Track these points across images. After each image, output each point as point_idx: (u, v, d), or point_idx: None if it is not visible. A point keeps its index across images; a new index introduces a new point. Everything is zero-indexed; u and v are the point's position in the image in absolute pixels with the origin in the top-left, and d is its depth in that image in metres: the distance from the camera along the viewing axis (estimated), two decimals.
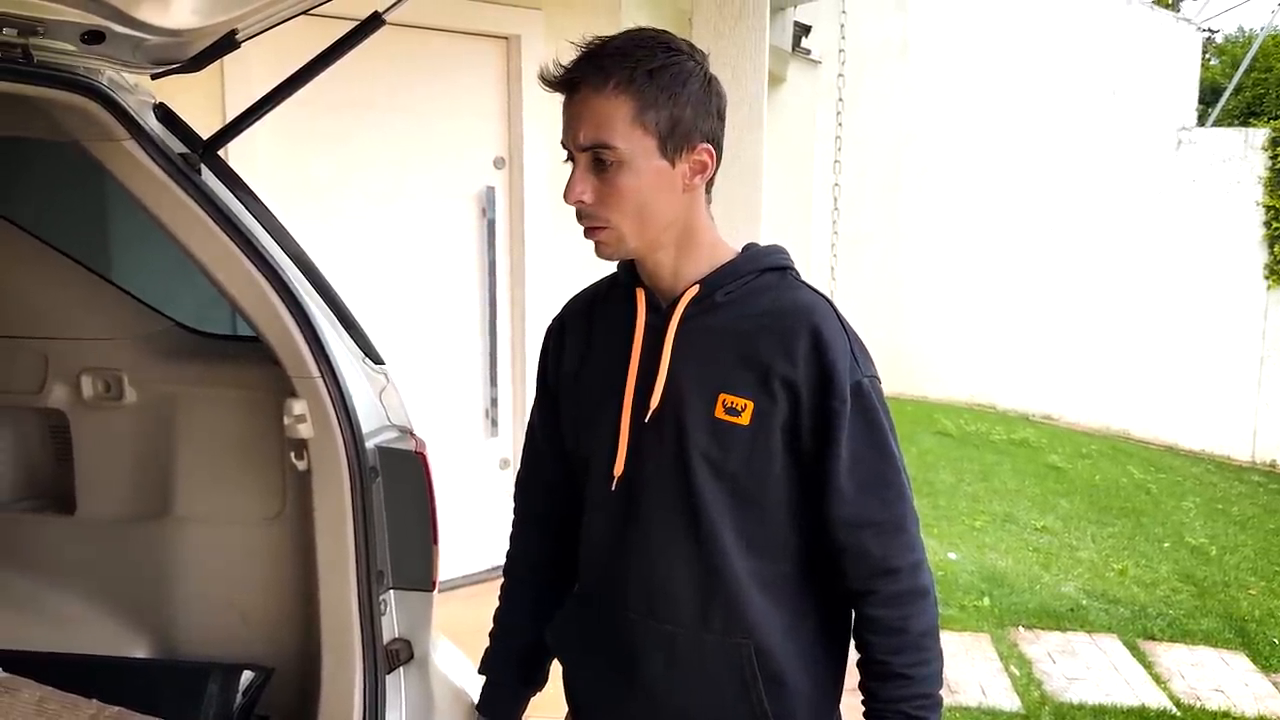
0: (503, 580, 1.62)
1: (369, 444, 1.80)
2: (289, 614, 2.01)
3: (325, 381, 1.74)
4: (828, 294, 1.35)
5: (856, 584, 1.32)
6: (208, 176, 1.75)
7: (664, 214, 1.28)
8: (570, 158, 1.28)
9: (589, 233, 1.30)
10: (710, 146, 1.28)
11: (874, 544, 1.30)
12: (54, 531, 2.13)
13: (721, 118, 1.30)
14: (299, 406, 1.76)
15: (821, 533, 1.32)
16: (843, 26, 8.08)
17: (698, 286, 1.32)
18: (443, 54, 4.03)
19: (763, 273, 1.33)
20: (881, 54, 10.02)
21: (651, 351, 1.33)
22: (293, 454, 1.84)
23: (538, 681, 1.60)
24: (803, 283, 1.35)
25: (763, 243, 1.40)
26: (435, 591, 1.91)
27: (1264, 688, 4.24)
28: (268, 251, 1.74)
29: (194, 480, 2.05)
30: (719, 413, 1.28)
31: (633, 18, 4.41)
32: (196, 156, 1.73)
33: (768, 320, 1.29)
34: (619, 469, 1.35)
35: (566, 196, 1.27)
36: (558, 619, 1.53)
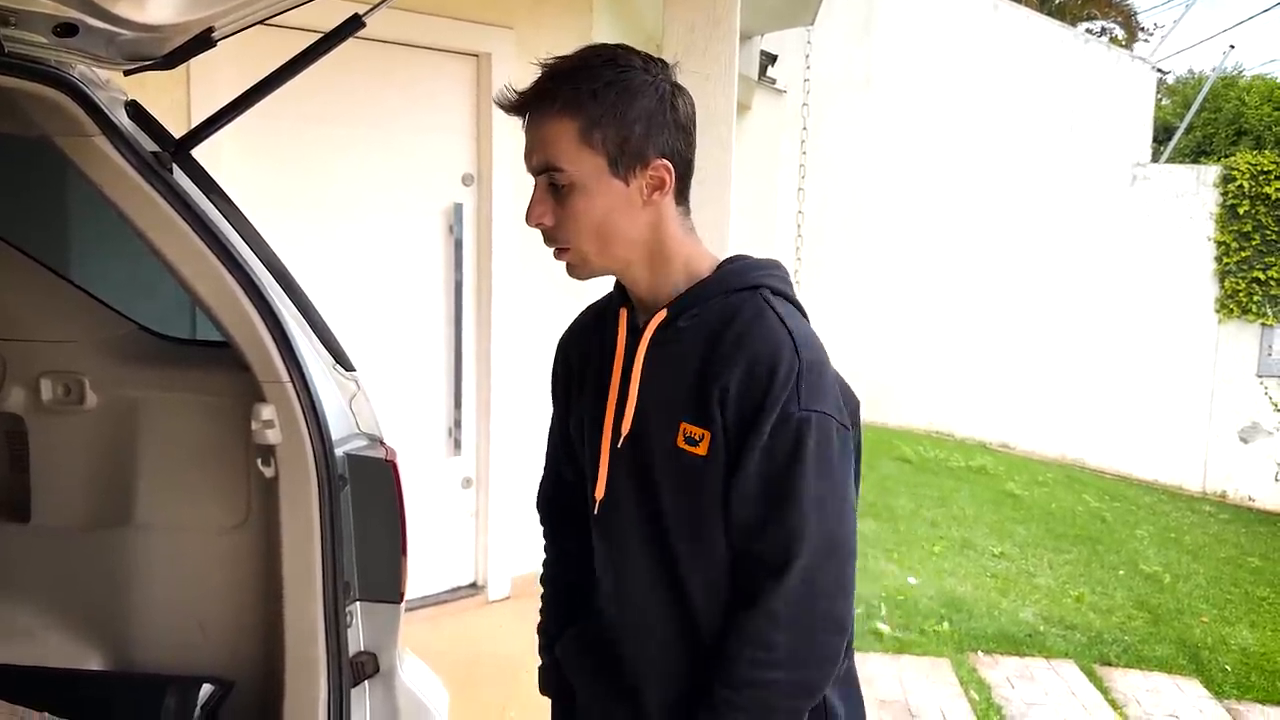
0: (540, 592, 1.62)
1: (338, 451, 1.77)
2: (251, 625, 1.96)
3: (295, 387, 1.71)
4: (802, 318, 1.29)
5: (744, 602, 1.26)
6: (179, 176, 1.72)
7: (625, 232, 1.26)
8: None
9: (556, 254, 1.29)
10: (667, 161, 1.25)
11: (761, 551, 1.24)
12: (7, 539, 2.06)
13: (683, 129, 1.27)
14: (267, 411, 1.72)
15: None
16: (808, 57, 8.20)
17: (664, 312, 1.29)
18: (413, 70, 4.02)
19: (731, 294, 1.28)
20: (845, 85, 10.18)
21: (627, 376, 1.32)
22: (259, 460, 1.80)
23: None
24: (770, 306, 1.27)
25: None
26: (403, 604, 1.87)
27: (1217, 713, 4.30)
28: (239, 253, 1.71)
29: (156, 487, 1.99)
30: (680, 442, 1.26)
31: (604, 39, 4.44)
32: (168, 155, 1.71)
33: (723, 346, 1.24)
34: (599, 493, 1.35)
35: (527, 220, 1.27)
36: (569, 638, 1.52)
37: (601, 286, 1.41)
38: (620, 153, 1.22)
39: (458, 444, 4.29)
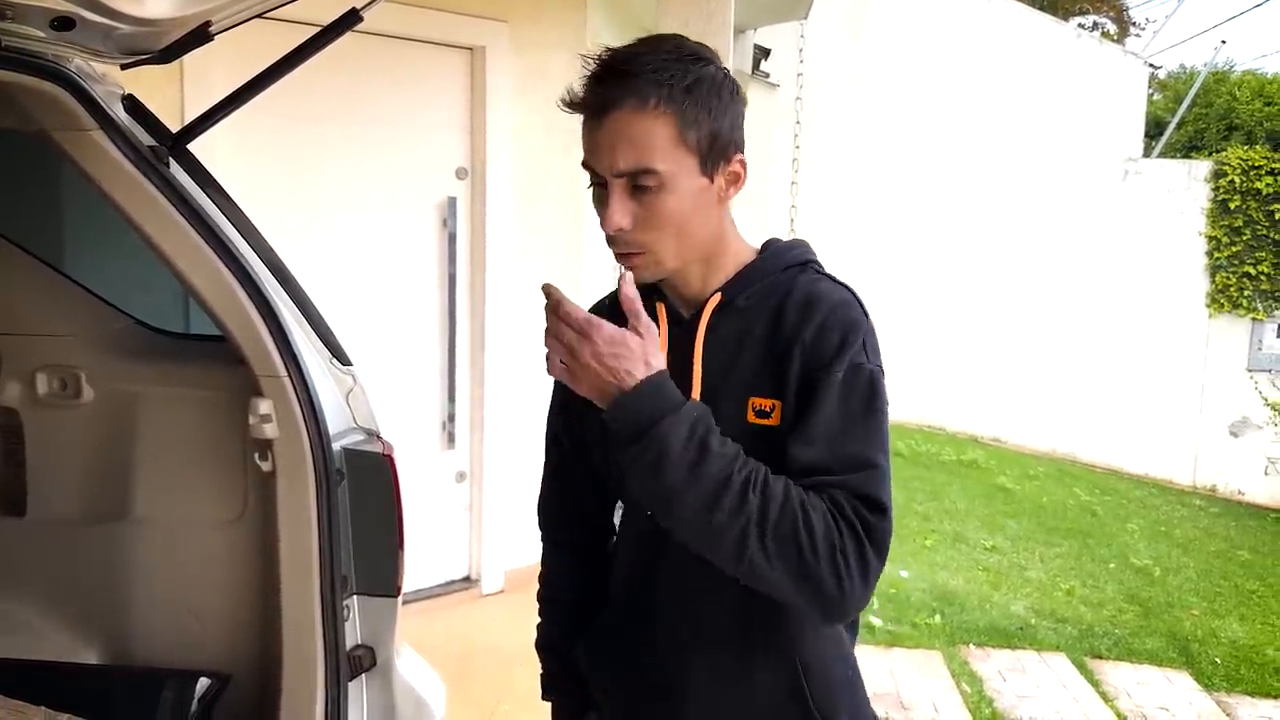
0: (539, 603, 1.57)
1: (335, 446, 1.77)
2: (248, 619, 1.96)
3: (292, 381, 1.71)
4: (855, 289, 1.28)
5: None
6: (176, 170, 1.72)
7: (702, 231, 1.23)
8: (599, 183, 1.19)
9: (623, 258, 1.22)
10: (743, 156, 1.23)
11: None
12: (3, 534, 2.07)
13: (743, 122, 1.25)
14: (264, 406, 1.73)
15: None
16: (801, 51, 8.19)
17: (719, 295, 1.27)
18: (407, 64, 4.02)
19: (784, 271, 1.28)
20: (838, 79, 10.16)
21: (678, 367, 1.25)
22: (256, 455, 1.81)
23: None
24: (826, 275, 1.29)
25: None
26: (400, 598, 1.88)
27: (1207, 706, 4.32)
28: (236, 247, 1.71)
29: (152, 481, 2.00)
30: (751, 417, 1.22)
31: (598, 33, 4.44)
32: (165, 150, 1.71)
33: (788, 313, 1.23)
34: None
35: (605, 226, 1.18)
36: (590, 639, 1.48)
37: (600, 285, 1.39)
38: (710, 150, 1.19)
39: (451, 438, 4.29)
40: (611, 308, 1.40)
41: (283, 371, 1.71)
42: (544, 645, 1.57)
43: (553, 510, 1.56)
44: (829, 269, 1.32)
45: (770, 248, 1.32)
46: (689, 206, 1.19)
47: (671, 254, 1.22)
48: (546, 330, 1.16)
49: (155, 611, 2.02)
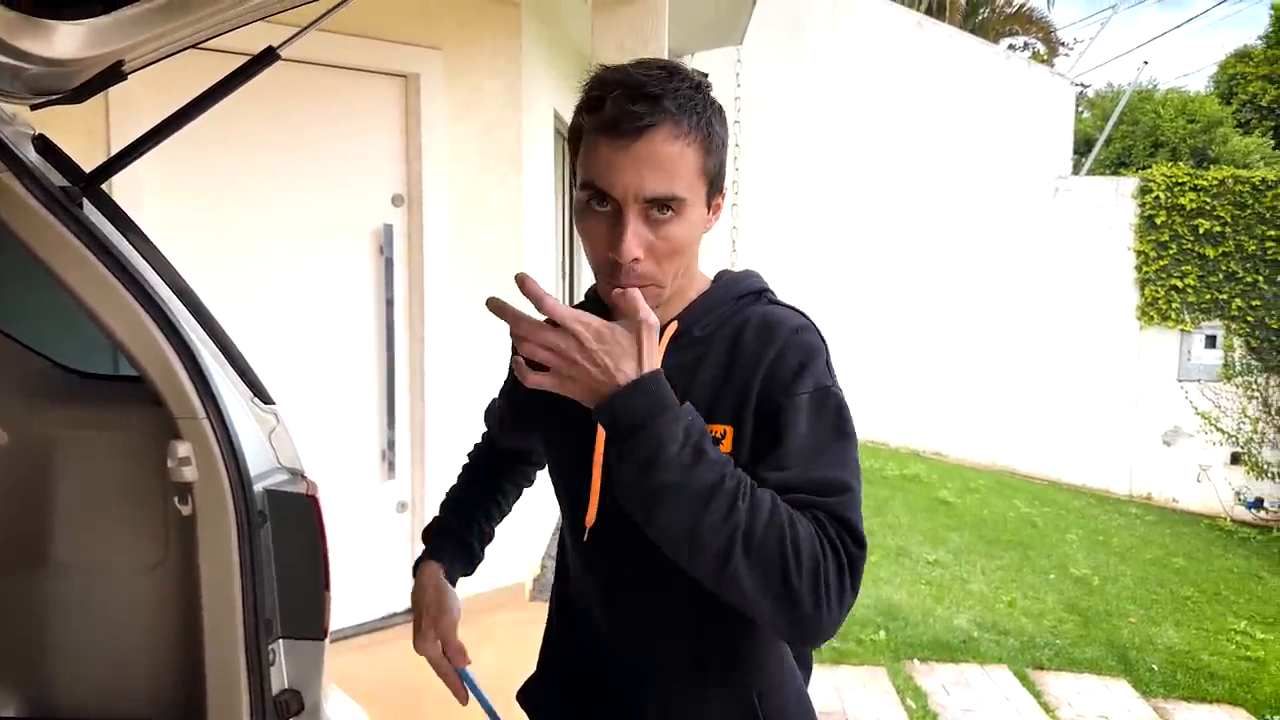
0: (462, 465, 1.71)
1: (257, 487, 1.74)
2: (171, 666, 1.92)
3: (211, 423, 1.68)
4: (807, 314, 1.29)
5: None
6: (90, 210, 1.69)
7: (689, 259, 1.21)
8: (608, 208, 1.14)
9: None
10: (726, 187, 1.23)
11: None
12: None
13: None
14: (183, 449, 1.69)
15: None
16: (738, 75, 8.29)
17: (676, 324, 1.25)
18: (340, 91, 3.99)
19: (739, 299, 1.27)
20: (775, 102, 10.28)
21: None
22: (176, 498, 1.77)
23: (475, 558, 1.59)
24: (780, 303, 1.29)
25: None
26: (326, 640, 1.85)
27: (1145, 713, 4.40)
28: (151, 287, 1.68)
29: (71, 526, 1.95)
30: None
31: (533, 60, 4.45)
32: (78, 190, 1.67)
33: (746, 340, 1.21)
34: (590, 519, 1.28)
35: (622, 255, 1.12)
36: (535, 679, 1.46)
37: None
38: (714, 180, 1.19)
39: (391, 467, 4.24)
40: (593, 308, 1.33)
41: (201, 413, 1.67)
42: (449, 496, 1.67)
43: (491, 415, 1.69)
44: (781, 296, 1.33)
45: (723, 278, 1.31)
46: (694, 235, 1.18)
47: (669, 284, 1.19)
48: (519, 337, 1.06)
49: (76, 660, 1.97)
